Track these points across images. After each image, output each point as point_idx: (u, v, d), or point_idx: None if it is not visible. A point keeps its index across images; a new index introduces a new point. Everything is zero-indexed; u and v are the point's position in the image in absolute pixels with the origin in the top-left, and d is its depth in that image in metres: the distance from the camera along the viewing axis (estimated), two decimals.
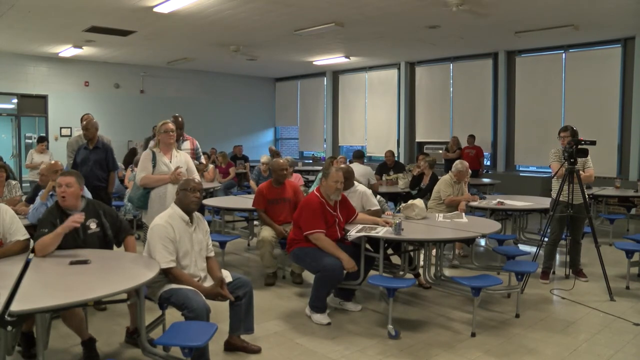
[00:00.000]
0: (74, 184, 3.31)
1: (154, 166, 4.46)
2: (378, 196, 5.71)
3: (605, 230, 7.24)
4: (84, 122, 5.71)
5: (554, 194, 5.10)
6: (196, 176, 4.67)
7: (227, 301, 3.28)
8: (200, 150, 5.61)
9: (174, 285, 3.08)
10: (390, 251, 4.70)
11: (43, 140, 9.32)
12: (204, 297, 3.07)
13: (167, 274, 3.11)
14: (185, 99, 13.88)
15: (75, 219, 3.13)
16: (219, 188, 8.48)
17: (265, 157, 8.86)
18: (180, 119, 5.41)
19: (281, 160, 5.38)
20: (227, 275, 3.36)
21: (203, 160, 5.77)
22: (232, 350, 3.38)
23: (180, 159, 4.58)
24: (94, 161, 5.54)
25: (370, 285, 4.37)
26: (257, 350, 3.40)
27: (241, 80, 15.33)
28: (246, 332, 3.40)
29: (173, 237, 3.18)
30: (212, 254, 3.49)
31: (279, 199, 5.21)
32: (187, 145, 5.42)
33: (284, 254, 5.09)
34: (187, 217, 3.29)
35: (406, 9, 7.53)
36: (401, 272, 4.54)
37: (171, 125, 4.60)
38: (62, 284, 2.71)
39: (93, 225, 3.37)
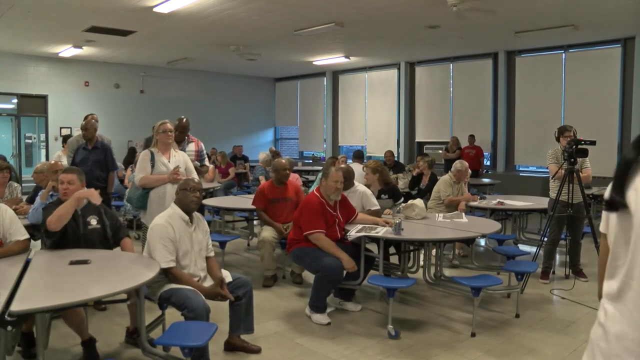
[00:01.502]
0: (75, 181, 3.39)
1: (152, 166, 4.46)
2: (402, 198, 5.63)
3: None
4: (86, 122, 5.70)
5: (552, 194, 5.11)
6: (195, 176, 4.67)
7: (227, 301, 3.28)
8: (204, 152, 5.56)
9: (173, 285, 3.09)
10: (392, 250, 4.71)
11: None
12: (203, 297, 3.07)
13: (167, 274, 3.11)
14: (185, 99, 13.88)
15: (91, 194, 3.31)
16: (218, 188, 8.48)
17: (264, 154, 8.98)
18: (184, 120, 5.37)
19: (283, 160, 5.38)
20: (227, 275, 3.36)
21: (207, 162, 5.73)
22: (232, 350, 3.39)
23: (179, 159, 4.57)
24: (93, 161, 5.54)
25: (370, 285, 4.37)
26: (257, 350, 3.40)
27: (241, 80, 15.33)
28: (246, 332, 3.40)
29: (173, 236, 3.18)
30: (212, 254, 3.49)
31: (280, 198, 5.21)
32: (191, 147, 5.38)
33: (284, 254, 5.09)
34: (187, 217, 3.30)
35: (406, 9, 7.53)
36: (399, 272, 4.54)
37: (169, 125, 4.59)
38: (62, 284, 2.71)
39: (93, 222, 3.40)
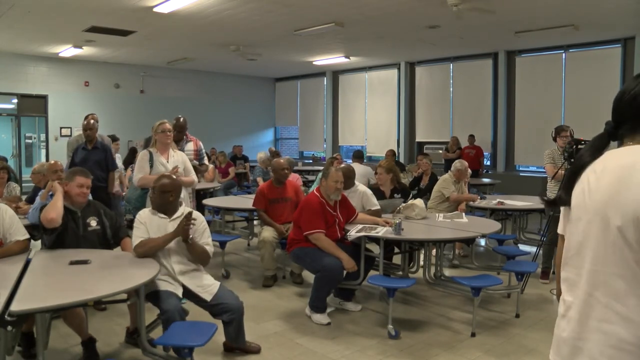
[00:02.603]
0: (90, 185, 3.46)
1: (151, 166, 4.46)
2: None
3: None
4: (87, 122, 5.64)
5: (550, 194, 5.11)
6: (193, 176, 4.66)
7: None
8: (203, 151, 5.55)
9: (155, 288, 3.08)
10: (395, 250, 4.72)
11: (115, 139, 7.58)
12: (179, 298, 3.08)
13: (137, 251, 3.15)
14: (185, 99, 13.87)
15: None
16: (218, 188, 8.48)
17: (262, 154, 8.99)
18: (182, 119, 5.37)
19: (281, 160, 5.38)
20: (210, 291, 3.21)
21: (206, 161, 5.72)
22: (231, 350, 3.38)
23: (178, 159, 4.57)
24: (94, 161, 5.51)
25: (370, 285, 4.37)
26: (256, 350, 3.40)
27: (241, 80, 15.33)
28: (237, 344, 3.35)
29: (143, 221, 3.27)
30: (207, 248, 3.35)
31: (280, 198, 5.21)
32: (190, 146, 5.38)
33: (284, 254, 5.09)
34: (155, 211, 3.36)
35: (406, 9, 7.53)
36: (400, 272, 4.54)
37: (168, 125, 4.59)
38: (62, 284, 2.71)
39: (93, 223, 3.43)
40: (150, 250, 3.14)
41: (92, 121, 5.66)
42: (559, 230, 1.34)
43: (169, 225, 3.28)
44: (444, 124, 12.34)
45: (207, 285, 3.25)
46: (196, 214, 3.42)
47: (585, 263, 1.17)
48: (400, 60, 12.73)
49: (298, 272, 5.07)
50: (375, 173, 5.49)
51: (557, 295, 1.38)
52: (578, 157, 1.27)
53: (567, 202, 1.25)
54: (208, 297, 3.18)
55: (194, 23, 8.44)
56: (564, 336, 1.21)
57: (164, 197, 3.31)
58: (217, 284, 3.29)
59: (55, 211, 3.17)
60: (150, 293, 3.06)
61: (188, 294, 3.21)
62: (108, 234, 3.48)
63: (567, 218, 1.28)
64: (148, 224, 3.26)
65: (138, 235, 3.21)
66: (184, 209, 3.42)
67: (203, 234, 3.34)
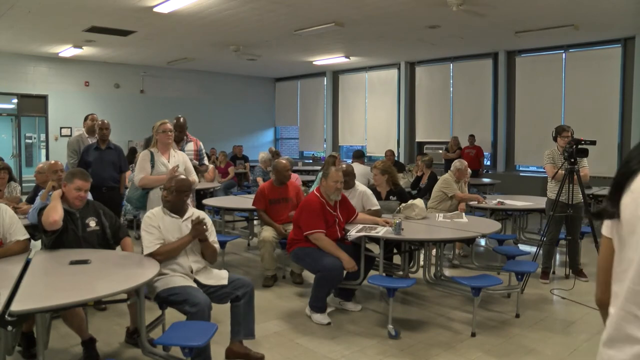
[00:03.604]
0: (88, 189, 3.46)
1: (152, 166, 4.46)
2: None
3: None
4: (102, 121, 5.55)
5: (549, 194, 5.11)
6: (194, 176, 4.65)
7: (229, 303, 3.29)
8: (204, 151, 5.53)
9: (172, 284, 3.08)
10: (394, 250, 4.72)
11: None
12: (204, 293, 3.09)
13: (157, 258, 3.14)
14: (185, 99, 13.87)
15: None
16: (218, 188, 8.48)
17: (264, 154, 8.99)
18: (182, 119, 5.35)
19: (284, 161, 5.38)
20: (224, 277, 3.32)
21: (206, 161, 5.70)
22: (233, 357, 3.29)
23: (179, 159, 4.57)
24: (108, 162, 5.42)
25: (370, 285, 4.37)
26: (260, 358, 3.30)
27: (241, 80, 15.33)
28: (246, 337, 3.31)
29: (156, 224, 3.25)
30: (215, 246, 3.44)
31: (280, 199, 5.20)
32: (190, 146, 5.36)
33: (284, 254, 5.09)
34: (168, 211, 3.36)
35: (406, 9, 7.53)
36: (400, 272, 4.54)
37: (169, 125, 4.59)
38: (62, 284, 2.71)
39: (92, 224, 3.43)
40: (169, 255, 3.18)
41: (106, 120, 5.57)
42: (604, 232, 1.23)
43: (182, 225, 3.31)
44: (444, 124, 12.34)
45: (217, 274, 3.36)
46: (203, 215, 3.48)
47: (630, 281, 1.10)
48: (400, 60, 12.72)
49: (298, 272, 5.07)
50: None
51: (597, 302, 1.29)
52: (625, 163, 1.17)
53: (612, 215, 1.15)
54: (226, 282, 3.30)
55: (194, 23, 8.44)
56: (610, 354, 1.15)
57: (181, 196, 3.35)
58: (225, 271, 3.43)
59: (57, 213, 3.17)
60: (169, 292, 3.05)
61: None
62: (108, 234, 3.48)
63: (615, 224, 1.17)
64: (162, 225, 3.26)
65: (153, 240, 3.19)
66: (193, 210, 3.47)
67: (212, 234, 3.43)
